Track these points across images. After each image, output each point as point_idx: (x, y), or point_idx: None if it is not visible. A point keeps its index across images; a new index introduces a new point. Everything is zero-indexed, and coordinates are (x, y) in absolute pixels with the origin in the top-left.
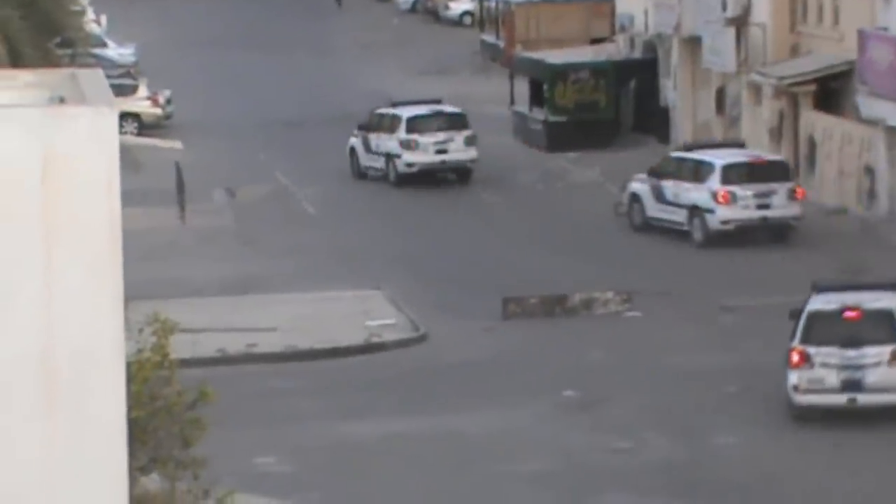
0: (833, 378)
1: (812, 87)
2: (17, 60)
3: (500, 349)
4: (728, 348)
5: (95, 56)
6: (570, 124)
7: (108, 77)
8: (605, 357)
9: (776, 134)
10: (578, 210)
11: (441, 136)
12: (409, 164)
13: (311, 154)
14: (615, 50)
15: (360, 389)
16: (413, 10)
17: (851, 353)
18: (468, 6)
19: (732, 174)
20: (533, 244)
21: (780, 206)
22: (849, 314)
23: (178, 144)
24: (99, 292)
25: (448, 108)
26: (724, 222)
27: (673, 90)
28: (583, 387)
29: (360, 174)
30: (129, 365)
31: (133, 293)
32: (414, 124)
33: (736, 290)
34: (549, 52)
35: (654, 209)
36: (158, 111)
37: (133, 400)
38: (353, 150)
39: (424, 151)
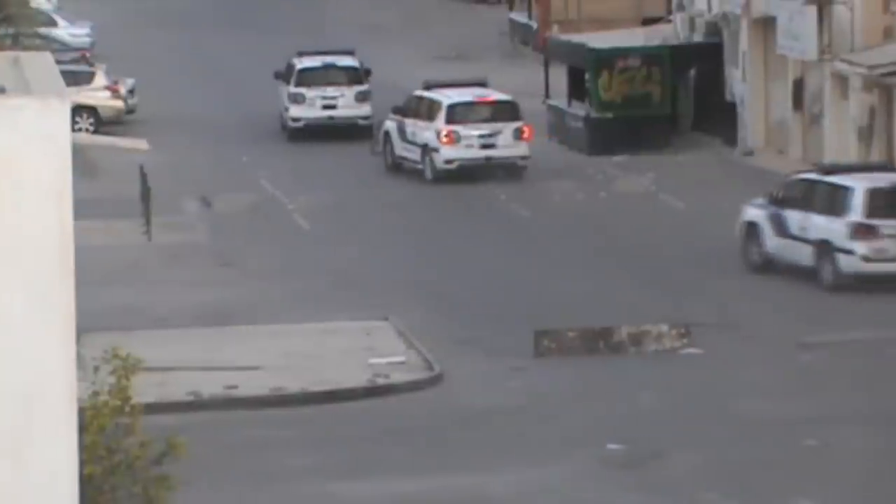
0: None
1: None
2: None
3: (531, 393)
4: (806, 393)
5: (43, 37)
6: (616, 122)
7: (59, 62)
8: (658, 403)
9: (866, 134)
10: (626, 225)
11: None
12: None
13: (303, 157)
14: (671, 32)
15: (361, 441)
16: None
17: None
18: None
19: (458, 113)
20: (571, 266)
21: (506, 146)
22: None
23: (142, 144)
24: (46, 322)
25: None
26: (448, 161)
27: (741, 81)
28: (630, 439)
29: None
30: (82, 411)
31: (88, 324)
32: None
33: (818, 327)
34: (591, 35)
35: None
36: (119, 104)
37: (87, 453)
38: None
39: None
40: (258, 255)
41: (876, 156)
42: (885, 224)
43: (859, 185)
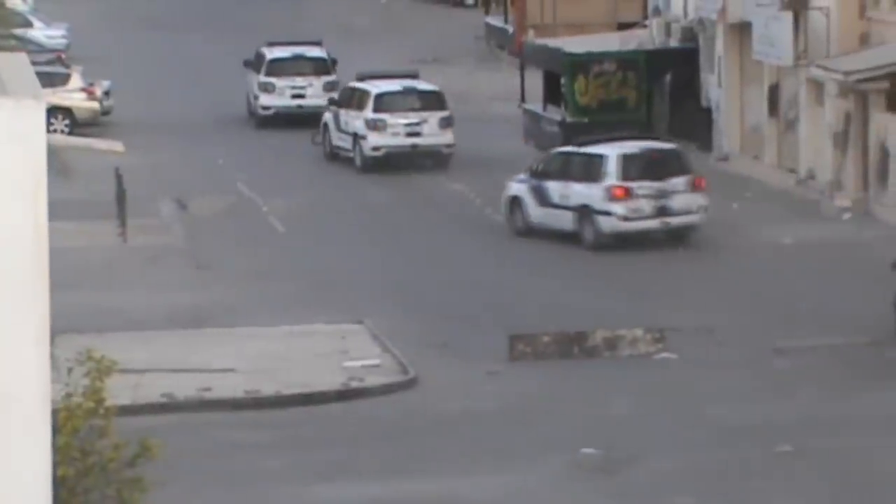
0: None
1: (885, 85)
2: None
3: (505, 397)
4: (781, 398)
5: (19, 38)
6: (592, 126)
7: (34, 63)
8: (633, 408)
9: (841, 140)
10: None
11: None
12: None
13: (279, 158)
14: (647, 37)
15: (336, 444)
16: None
17: None
18: None
19: (385, 103)
20: (546, 272)
21: (431, 134)
22: None
23: (118, 146)
24: (20, 323)
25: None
26: (375, 149)
27: (717, 87)
28: (605, 444)
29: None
30: (55, 412)
31: (62, 325)
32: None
33: (792, 330)
34: (567, 40)
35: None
36: (95, 105)
37: (60, 455)
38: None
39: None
40: (233, 257)
41: (850, 162)
42: (638, 185)
43: (612, 153)
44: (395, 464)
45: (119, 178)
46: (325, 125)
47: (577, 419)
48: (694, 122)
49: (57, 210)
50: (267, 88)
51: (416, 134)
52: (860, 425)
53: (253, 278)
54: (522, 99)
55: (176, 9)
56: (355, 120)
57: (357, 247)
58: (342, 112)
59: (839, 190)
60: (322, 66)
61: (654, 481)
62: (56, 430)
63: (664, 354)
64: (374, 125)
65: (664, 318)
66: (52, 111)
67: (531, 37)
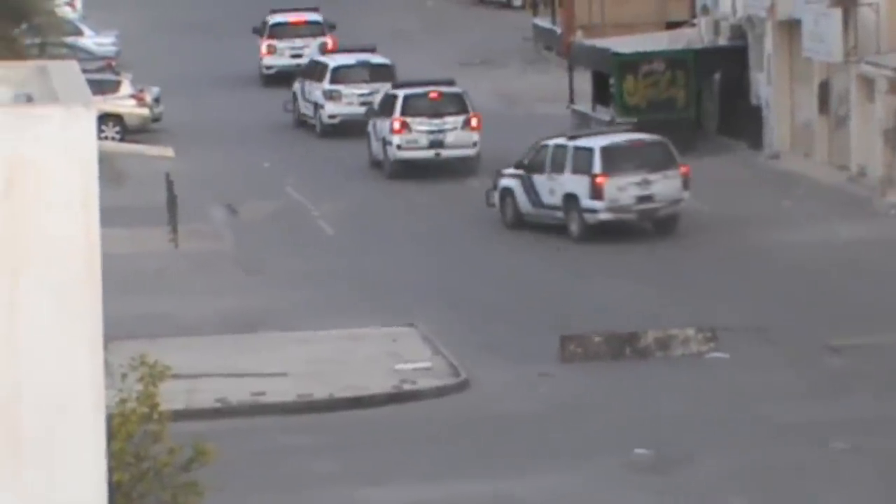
0: None
1: None
2: None
3: (557, 398)
4: (835, 396)
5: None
6: (641, 126)
7: (85, 71)
8: (685, 408)
9: (892, 136)
10: (650, 229)
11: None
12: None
13: (328, 163)
14: (696, 36)
15: (388, 447)
16: None
17: None
18: None
19: (341, 75)
20: (597, 271)
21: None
22: None
23: (168, 152)
24: (73, 329)
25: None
26: (332, 116)
27: (766, 85)
28: (657, 444)
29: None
30: (110, 418)
31: (115, 331)
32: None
33: (845, 328)
34: (615, 40)
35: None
36: (145, 112)
37: (115, 460)
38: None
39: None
40: (283, 261)
41: None
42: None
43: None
44: (448, 466)
45: (170, 184)
46: (294, 94)
47: (630, 420)
48: (744, 120)
49: (109, 217)
50: (332, 96)
51: (369, 104)
52: None
53: (303, 282)
54: (571, 100)
55: (224, 14)
56: (315, 90)
57: (405, 248)
58: (307, 83)
59: (890, 186)
60: (317, 29)
61: (707, 481)
62: (111, 435)
63: (716, 354)
64: (330, 95)
65: (718, 316)
66: (103, 118)
67: (579, 37)
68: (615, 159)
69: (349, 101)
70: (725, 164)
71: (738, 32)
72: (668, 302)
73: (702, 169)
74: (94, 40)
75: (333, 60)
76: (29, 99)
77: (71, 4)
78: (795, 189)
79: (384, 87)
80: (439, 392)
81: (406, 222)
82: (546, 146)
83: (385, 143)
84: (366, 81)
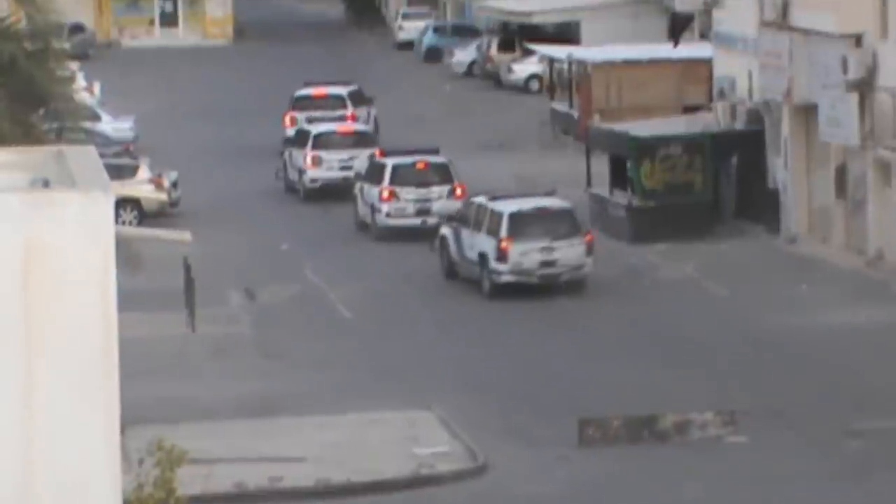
0: None
1: None
2: None
3: (576, 483)
4: (857, 481)
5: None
6: (659, 210)
7: (102, 156)
8: (706, 493)
9: None
10: (669, 313)
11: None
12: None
13: (345, 246)
14: (713, 120)
15: None
16: (469, 73)
17: None
18: (535, 69)
19: (321, 142)
20: (615, 354)
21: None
22: None
23: (186, 236)
24: (90, 413)
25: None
26: (313, 181)
27: (783, 169)
28: None
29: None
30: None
31: (132, 415)
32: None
33: (864, 412)
34: (633, 123)
35: None
36: (162, 196)
37: None
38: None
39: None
40: (301, 344)
41: None
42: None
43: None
44: None
45: (187, 268)
46: (285, 162)
47: None
48: (761, 204)
49: (126, 301)
50: (314, 162)
51: (349, 168)
52: None
53: (321, 366)
54: (588, 183)
55: (241, 99)
56: (300, 157)
57: (422, 330)
58: (293, 151)
59: None
60: (367, 140)
61: None
62: None
63: (735, 438)
64: (313, 161)
65: (736, 399)
66: (121, 203)
67: (597, 121)
68: (521, 225)
69: (329, 166)
70: (743, 249)
71: (755, 117)
72: (688, 387)
73: (719, 253)
74: (112, 125)
75: (315, 129)
76: (46, 184)
77: (89, 90)
78: (813, 273)
79: (364, 153)
80: (457, 476)
81: (415, 302)
82: (472, 203)
83: (374, 209)
84: (346, 147)
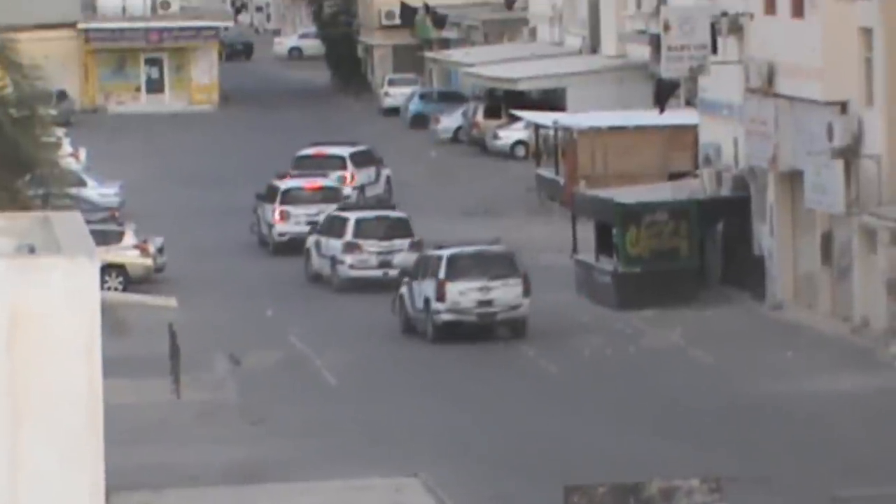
0: None
1: None
2: None
3: None
4: None
5: (73, 197)
6: (644, 276)
7: (88, 222)
8: None
9: (895, 288)
10: (654, 380)
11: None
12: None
13: (329, 312)
14: (699, 187)
15: None
16: (455, 139)
17: None
18: (521, 135)
19: (289, 198)
20: (600, 421)
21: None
22: None
23: (171, 302)
24: (75, 479)
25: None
26: (281, 235)
27: (769, 235)
28: None
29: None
30: None
31: (117, 481)
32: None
33: (850, 479)
34: (619, 190)
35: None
36: (148, 262)
37: None
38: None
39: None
40: (287, 411)
41: None
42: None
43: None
44: None
45: (173, 334)
46: (258, 216)
47: None
48: (747, 270)
49: (111, 367)
50: (283, 216)
51: (315, 223)
52: None
53: (307, 432)
54: (574, 250)
55: (225, 165)
56: (269, 211)
57: (407, 396)
58: (265, 206)
59: (894, 337)
60: (334, 194)
61: None
62: None
63: None
64: (282, 216)
65: (722, 466)
66: (106, 269)
67: (582, 188)
68: (459, 266)
69: (297, 220)
70: (728, 315)
71: (741, 183)
72: (674, 453)
73: (705, 320)
74: (98, 191)
75: (283, 184)
76: (32, 250)
77: (75, 155)
78: (799, 340)
79: (330, 209)
80: None
81: (408, 367)
82: (422, 256)
83: (335, 261)
84: (314, 203)
